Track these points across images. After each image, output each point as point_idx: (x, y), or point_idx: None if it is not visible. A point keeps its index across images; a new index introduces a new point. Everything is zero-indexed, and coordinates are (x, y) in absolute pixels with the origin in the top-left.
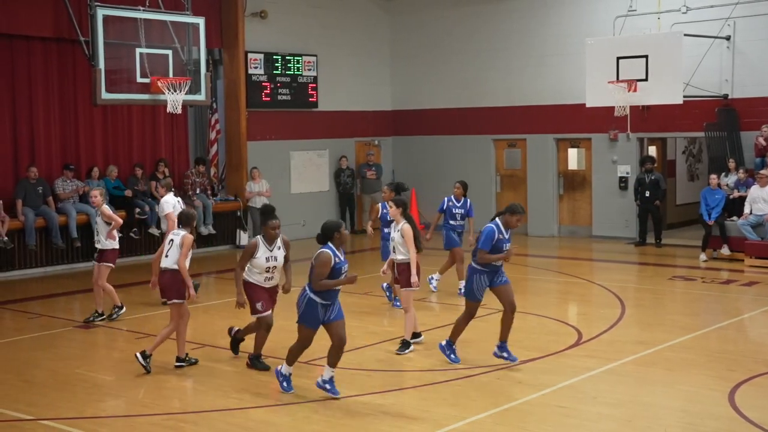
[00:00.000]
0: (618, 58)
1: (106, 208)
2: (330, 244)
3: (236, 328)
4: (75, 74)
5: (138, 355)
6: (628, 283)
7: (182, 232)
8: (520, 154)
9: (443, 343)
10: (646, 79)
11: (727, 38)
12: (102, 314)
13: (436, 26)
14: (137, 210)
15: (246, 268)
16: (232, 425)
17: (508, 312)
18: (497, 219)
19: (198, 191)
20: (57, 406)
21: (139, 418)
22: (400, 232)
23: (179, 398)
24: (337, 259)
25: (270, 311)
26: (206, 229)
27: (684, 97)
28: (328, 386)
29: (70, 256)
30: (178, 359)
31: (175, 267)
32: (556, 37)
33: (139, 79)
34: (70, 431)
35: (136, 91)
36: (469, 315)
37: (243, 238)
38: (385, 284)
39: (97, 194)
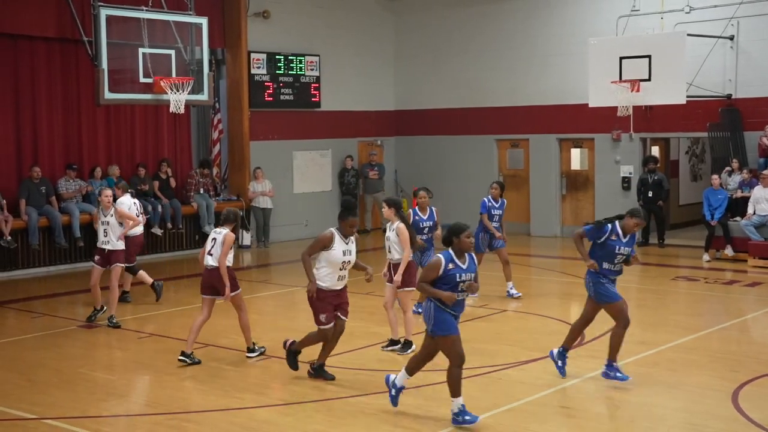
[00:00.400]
0: (621, 58)
1: (121, 208)
2: (450, 249)
3: (291, 340)
4: (78, 74)
5: (248, 355)
6: (630, 283)
7: (224, 231)
8: (522, 155)
9: (555, 351)
10: (649, 79)
11: (731, 38)
12: (102, 309)
13: (439, 26)
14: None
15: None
16: (234, 425)
17: (620, 327)
18: (616, 222)
19: (201, 191)
20: (60, 405)
21: (141, 417)
22: (395, 231)
23: (182, 398)
24: (451, 265)
25: (333, 323)
26: (209, 229)
27: (687, 97)
28: (466, 417)
29: (73, 256)
30: (249, 349)
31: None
32: (559, 37)
33: (142, 79)
34: (73, 430)
35: (139, 91)
36: (622, 325)
37: (245, 237)
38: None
39: (109, 194)
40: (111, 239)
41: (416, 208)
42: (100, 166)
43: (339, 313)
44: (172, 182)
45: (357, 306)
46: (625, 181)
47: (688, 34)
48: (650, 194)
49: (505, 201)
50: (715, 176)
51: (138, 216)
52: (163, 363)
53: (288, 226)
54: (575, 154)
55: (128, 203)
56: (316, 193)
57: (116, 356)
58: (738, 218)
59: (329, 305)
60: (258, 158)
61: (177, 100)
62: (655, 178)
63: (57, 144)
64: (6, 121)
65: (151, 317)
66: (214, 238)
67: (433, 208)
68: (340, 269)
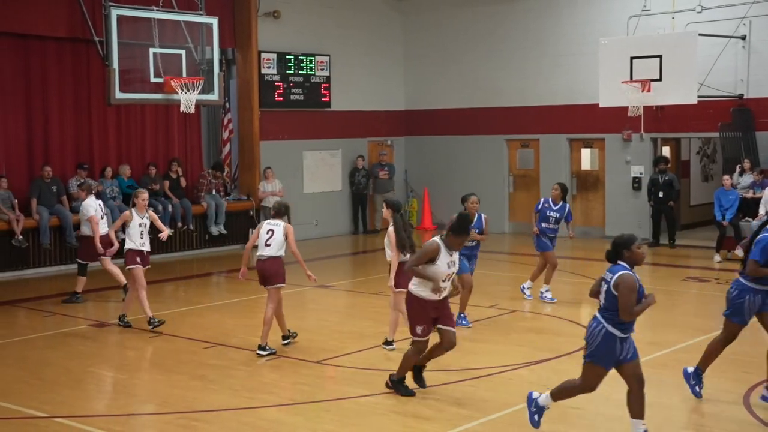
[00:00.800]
0: (632, 58)
1: (153, 213)
2: (622, 263)
3: (391, 374)
4: (89, 74)
5: (259, 352)
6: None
7: (282, 223)
8: (533, 155)
9: (689, 370)
10: (660, 79)
11: (743, 38)
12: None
13: (449, 26)
14: (150, 209)
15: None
16: (244, 424)
17: None
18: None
19: (213, 192)
20: (70, 403)
21: (151, 416)
22: (387, 233)
23: (192, 397)
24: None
25: (428, 337)
26: (217, 229)
27: (698, 97)
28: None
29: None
30: (283, 337)
31: (278, 255)
32: (569, 37)
33: (153, 79)
34: (83, 429)
35: (150, 91)
36: (728, 337)
37: None
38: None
39: (146, 196)
40: (146, 240)
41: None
42: (110, 165)
43: (442, 324)
44: (183, 182)
45: (368, 306)
46: (636, 182)
47: (700, 34)
48: (661, 194)
49: (567, 206)
50: (726, 176)
51: (102, 218)
52: (173, 362)
53: (298, 226)
54: (586, 154)
55: (94, 205)
56: (326, 193)
57: (126, 355)
58: (749, 219)
59: (427, 317)
60: (268, 158)
61: (187, 99)
62: (666, 178)
63: (68, 144)
64: (17, 120)
65: (160, 316)
66: (271, 230)
67: (483, 215)
68: (443, 281)
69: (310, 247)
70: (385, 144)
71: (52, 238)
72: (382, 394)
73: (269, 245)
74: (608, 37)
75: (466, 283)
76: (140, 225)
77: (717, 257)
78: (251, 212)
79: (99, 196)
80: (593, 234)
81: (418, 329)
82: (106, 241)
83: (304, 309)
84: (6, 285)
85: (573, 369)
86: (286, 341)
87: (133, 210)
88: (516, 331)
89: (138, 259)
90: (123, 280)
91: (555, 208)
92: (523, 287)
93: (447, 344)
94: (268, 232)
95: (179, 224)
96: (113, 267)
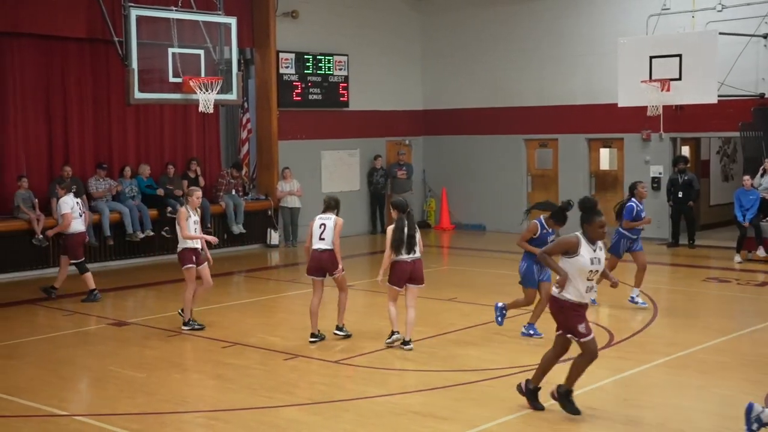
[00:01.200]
0: (651, 58)
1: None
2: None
3: (526, 382)
4: (108, 74)
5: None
6: (660, 284)
7: (333, 216)
8: (551, 154)
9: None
10: (679, 79)
11: (765, 36)
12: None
13: (467, 26)
14: (168, 209)
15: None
16: (262, 424)
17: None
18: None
19: (232, 192)
20: (90, 402)
21: (170, 415)
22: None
23: (210, 396)
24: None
25: (593, 334)
26: (237, 228)
27: (719, 96)
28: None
29: (104, 254)
30: (338, 327)
31: (332, 247)
32: (588, 37)
33: (172, 79)
34: (103, 427)
35: (169, 91)
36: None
37: (274, 237)
38: (499, 303)
39: (200, 194)
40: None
41: (544, 221)
42: (129, 165)
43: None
44: (201, 181)
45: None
46: (655, 182)
47: (720, 33)
48: (680, 195)
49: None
50: (746, 176)
51: (81, 215)
52: (192, 361)
53: None
54: (604, 154)
55: (71, 203)
56: (344, 192)
57: (146, 354)
58: None
59: (582, 316)
60: (286, 158)
61: (206, 99)
62: (686, 178)
63: (87, 143)
64: (38, 120)
65: (179, 316)
66: (323, 224)
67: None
68: (588, 279)
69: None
70: (403, 144)
71: None
72: (400, 394)
73: (323, 238)
74: (627, 36)
75: (529, 299)
76: (194, 222)
77: (738, 258)
78: (269, 212)
79: (117, 195)
80: (612, 234)
81: (581, 327)
82: (80, 239)
83: (321, 308)
84: (26, 284)
85: (592, 369)
86: (338, 332)
87: (187, 207)
88: None
89: (193, 258)
90: (60, 283)
91: (642, 206)
92: (633, 297)
93: (589, 354)
94: (320, 226)
95: None
96: (66, 269)
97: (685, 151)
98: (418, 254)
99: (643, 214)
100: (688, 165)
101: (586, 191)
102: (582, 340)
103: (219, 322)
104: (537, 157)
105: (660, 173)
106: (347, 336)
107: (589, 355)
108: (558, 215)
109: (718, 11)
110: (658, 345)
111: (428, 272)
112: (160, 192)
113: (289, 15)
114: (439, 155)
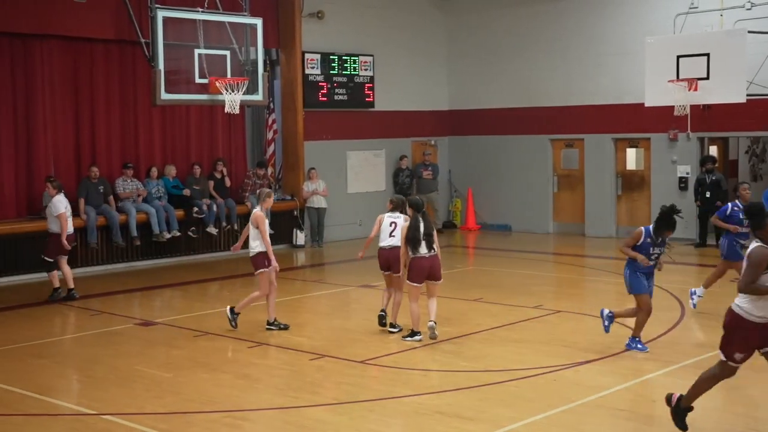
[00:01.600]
0: (678, 57)
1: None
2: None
3: (676, 395)
4: (135, 75)
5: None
6: (687, 284)
7: (402, 215)
8: (577, 154)
9: None
10: (707, 78)
11: None
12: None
13: (493, 26)
14: (195, 209)
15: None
16: (288, 423)
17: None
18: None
19: (257, 192)
20: (117, 401)
21: (197, 414)
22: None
23: (237, 396)
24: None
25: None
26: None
27: (747, 95)
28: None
29: (130, 255)
30: (392, 325)
31: (399, 245)
32: (614, 36)
33: (198, 80)
34: (131, 426)
35: (195, 92)
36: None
37: (300, 237)
38: (606, 311)
39: (273, 197)
40: (258, 243)
41: (651, 230)
42: (156, 165)
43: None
44: (227, 182)
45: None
46: (682, 182)
47: (749, 31)
48: (708, 195)
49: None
50: None
51: (70, 216)
52: (218, 361)
53: (342, 226)
54: (631, 153)
55: (65, 202)
56: (370, 192)
57: (172, 354)
58: None
59: (751, 344)
60: (312, 158)
61: (232, 100)
62: (713, 178)
63: (114, 144)
64: (66, 121)
65: (206, 316)
66: (393, 222)
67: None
68: None
69: (354, 246)
70: (428, 144)
71: (99, 238)
72: (426, 394)
73: (393, 236)
74: (654, 35)
75: (645, 305)
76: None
77: None
78: (295, 212)
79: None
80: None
81: (738, 356)
82: (71, 239)
83: (347, 308)
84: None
85: (619, 370)
86: (392, 328)
87: (264, 209)
88: (560, 332)
89: (266, 262)
90: (71, 283)
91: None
92: (693, 293)
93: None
94: (390, 225)
95: (224, 224)
96: (68, 268)
97: (713, 150)
98: (435, 251)
99: (740, 215)
100: (716, 165)
101: (613, 191)
102: (729, 363)
103: (244, 321)
104: (563, 157)
105: (687, 173)
106: (400, 330)
107: (723, 373)
108: (666, 222)
109: (747, 9)
110: (686, 346)
111: (454, 272)
112: (187, 192)
113: (314, 15)
114: (464, 155)
